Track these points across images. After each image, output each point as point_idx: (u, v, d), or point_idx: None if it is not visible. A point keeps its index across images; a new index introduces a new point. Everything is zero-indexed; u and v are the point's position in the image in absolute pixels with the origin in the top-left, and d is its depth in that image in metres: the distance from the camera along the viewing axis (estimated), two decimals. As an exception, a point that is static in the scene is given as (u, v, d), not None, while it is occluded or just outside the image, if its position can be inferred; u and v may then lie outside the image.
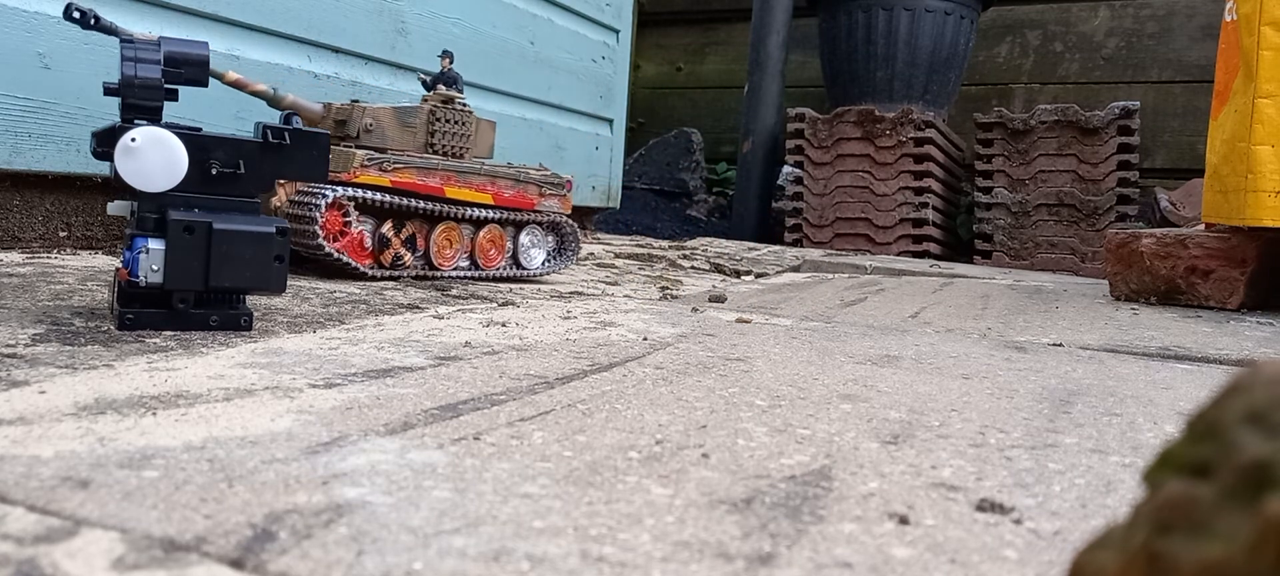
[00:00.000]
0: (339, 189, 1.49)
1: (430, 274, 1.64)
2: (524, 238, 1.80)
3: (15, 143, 1.53)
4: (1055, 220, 3.40)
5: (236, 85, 1.42)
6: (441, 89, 1.71)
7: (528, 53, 2.72)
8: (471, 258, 1.71)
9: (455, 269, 1.67)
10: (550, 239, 1.86)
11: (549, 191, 1.80)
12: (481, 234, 1.72)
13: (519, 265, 1.79)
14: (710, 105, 4.82)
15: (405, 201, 1.57)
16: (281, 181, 1.50)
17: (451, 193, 1.64)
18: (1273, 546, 0.23)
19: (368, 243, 1.57)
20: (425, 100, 1.69)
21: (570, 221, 1.87)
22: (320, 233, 1.47)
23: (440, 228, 1.65)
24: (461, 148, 1.70)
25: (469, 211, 1.66)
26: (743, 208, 3.89)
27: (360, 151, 1.53)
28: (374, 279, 1.56)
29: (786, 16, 3.85)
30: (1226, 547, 0.24)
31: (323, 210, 1.47)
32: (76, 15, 1.08)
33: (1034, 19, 4.19)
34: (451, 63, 1.73)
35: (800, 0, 3.89)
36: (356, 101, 1.64)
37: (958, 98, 3.98)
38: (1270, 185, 1.79)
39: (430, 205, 1.61)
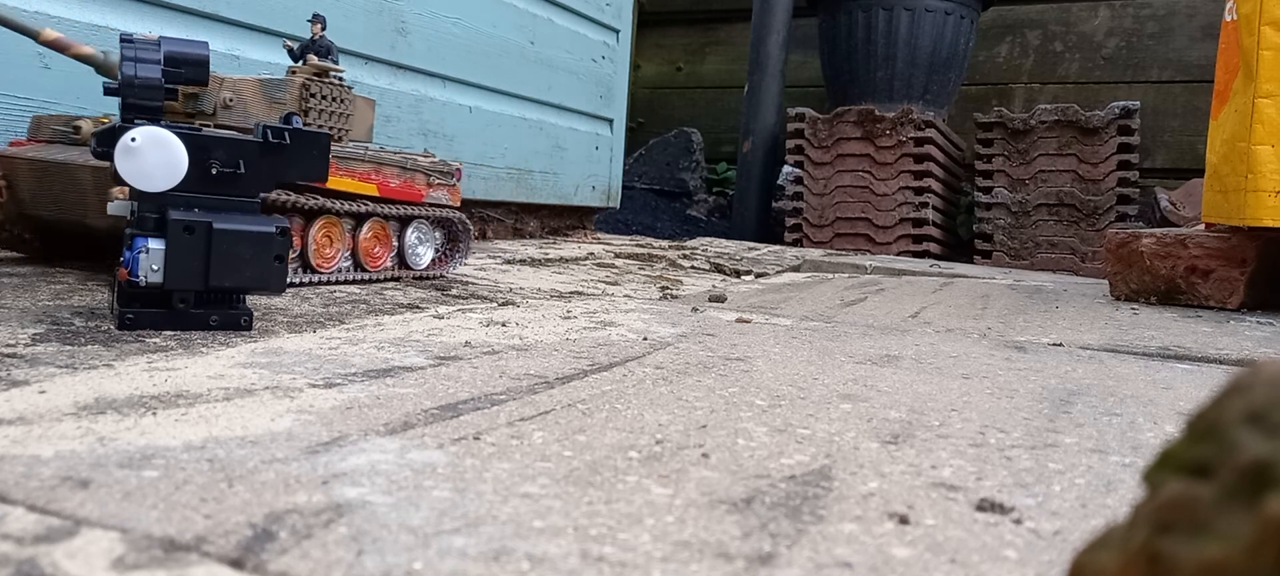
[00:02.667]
0: None
1: (305, 280, 1.41)
2: (411, 234, 1.60)
3: (15, 142, 1.53)
4: (1055, 220, 3.40)
5: (55, 45, 1.21)
6: (313, 60, 1.45)
7: (528, 52, 2.72)
8: (354, 257, 1.51)
9: (336, 270, 1.46)
10: (438, 234, 1.68)
11: (438, 181, 1.61)
12: (365, 230, 1.50)
13: (405, 265, 1.60)
14: (710, 105, 4.82)
15: (278, 195, 1.33)
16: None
17: (333, 183, 1.41)
18: (1273, 546, 0.23)
19: None
20: (294, 72, 1.44)
21: (461, 216, 1.68)
22: None
23: (319, 223, 1.42)
24: (340, 129, 1.47)
25: (352, 205, 1.45)
26: (743, 207, 3.89)
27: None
28: None
29: (786, 16, 3.85)
30: (1226, 547, 0.24)
31: None
32: None
33: (1034, 19, 4.19)
34: (324, 29, 1.49)
35: (800, 0, 3.89)
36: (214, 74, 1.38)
37: (958, 98, 3.98)
38: (1270, 185, 1.79)
39: (308, 199, 1.38)
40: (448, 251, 1.71)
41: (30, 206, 1.35)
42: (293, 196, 1.36)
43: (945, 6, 3.59)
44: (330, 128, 1.44)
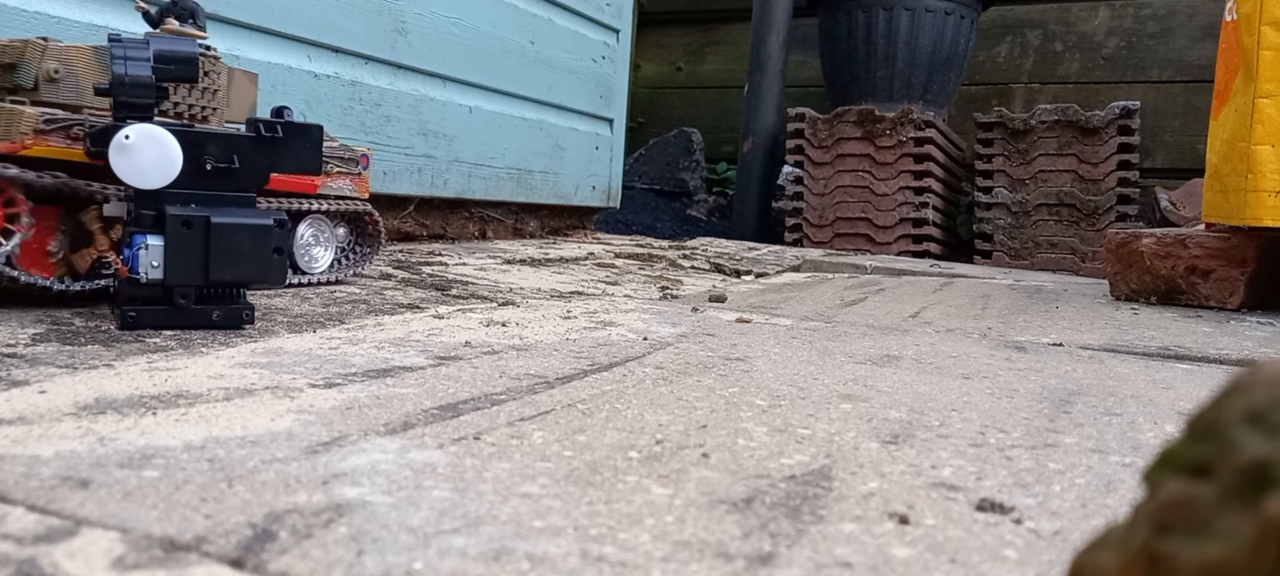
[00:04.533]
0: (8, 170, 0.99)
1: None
2: (304, 231, 1.38)
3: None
4: (1055, 220, 3.40)
5: None
6: (172, 24, 1.16)
7: (528, 52, 2.72)
8: None
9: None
10: (341, 232, 1.46)
11: (337, 169, 1.40)
12: None
13: (297, 268, 1.37)
14: (710, 105, 4.82)
15: (109, 187, 1.07)
16: None
17: None
18: (1273, 546, 0.23)
19: (53, 245, 1.07)
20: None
21: (369, 209, 1.46)
22: None
23: None
24: (208, 107, 1.22)
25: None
26: (743, 207, 3.89)
27: (32, 110, 1.03)
28: (64, 300, 1.08)
29: (786, 16, 3.85)
30: (1226, 547, 0.24)
31: None
32: None
33: (1034, 19, 4.19)
34: None
35: (800, 0, 3.89)
36: (36, 38, 1.12)
37: (958, 97, 3.98)
38: (1270, 185, 1.79)
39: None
40: (353, 253, 1.49)
41: None
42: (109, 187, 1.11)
43: (945, 6, 3.59)
44: (198, 106, 1.21)
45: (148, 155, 0.95)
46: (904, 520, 0.54)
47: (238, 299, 1.02)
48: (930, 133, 3.39)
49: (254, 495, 0.51)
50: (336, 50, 2.07)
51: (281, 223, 1.01)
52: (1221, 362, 1.26)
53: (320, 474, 0.55)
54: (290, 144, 1.04)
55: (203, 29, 1.20)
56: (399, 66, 2.26)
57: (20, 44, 1.09)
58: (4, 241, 1.00)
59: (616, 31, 3.19)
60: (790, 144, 3.65)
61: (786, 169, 3.69)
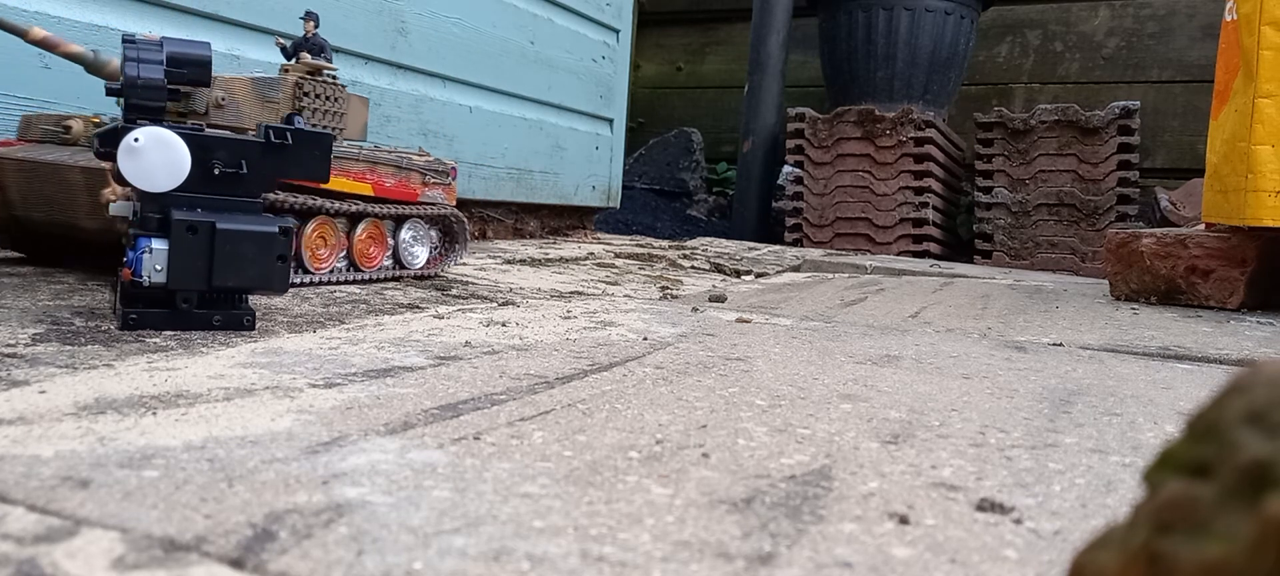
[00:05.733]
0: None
1: (299, 280, 1.39)
2: (406, 233, 1.59)
3: (15, 142, 1.53)
4: (1055, 220, 3.40)
5: (43, 44, 1.22)
6: (306, 57, 1.44)
7: (528, 52, 2.72)
8: (349, 257, 1.49)
9: (331, 271, 1.45)
10: (433, 233, 1.66)
11: (433, 180, 1.61)
12: (360, 230, 1.49)
13: (400, 264, 1.60)
14: (710, 105, 4.82)
15: (275, 195, 1.32)
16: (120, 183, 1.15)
17: (330, 182, 1.38)
18: (1273, 546, 0.23)
19: None
20: (287, 70, 1.43)
21: (457, 214, 1.67)
22: None
23: (314, 224, 1.41)
24: (334, 128, 1.46)
25: (347, 205, 1.44)
26: (743, 207, 3.89)
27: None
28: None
29: (786, 16, 3.85)
30: (1226, 547, 0.24)
31: None
32: None
33: (1034, 19, 4.19)
34: (317, 27, 1.49)
35: (800, 0, 3.89)
36: None
37: (958, 97, 3.98)
38: (1270, 185, 1.79)
39: (304, 199, 1.37)
40: (444, 250, 1.70)
41: (20, 209, 1.33)
42: (286, 196, 1.34)
43: (945, 6, 3.59)
44: (325, 127, 1.42)
45: (156, 158, 0.95)
46: (904, 520, 0.54)
47: (240, 304, 1.02)
48: (930, 133, 3.39)
49: (254, 495, 0.51)
50: (337, 50, 2.07)
51: (286, 230, 1.01)
52: (1221, 362, 1.26)
53: (320, 474, 0.55)
54: (299, 151, 1.04)
55: (331, 61, 1.46)
56: (399, 66, 2.26)
57: None
58: None
59: (616, 31, 3.19)
60: (790, 144, 3.65)
61: (786, 169, 3.69)
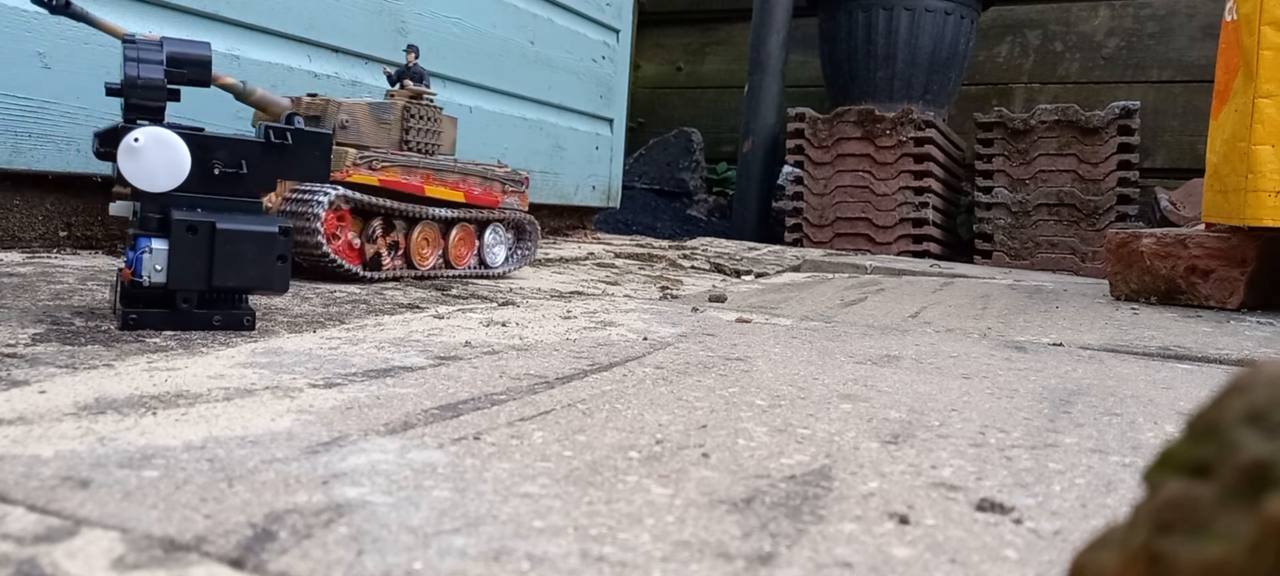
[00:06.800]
0: (337, 189, 1.46)
1: (407, 272, 1.62)
2: (488, 235, 1.80)
3: (15, 142, 1.53)
4: (1055, 220, 3.40)
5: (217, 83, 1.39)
6: (409, 84, 1.67)
7: (528, 52, 2.72)
8: (444, 256, 1.71)
9: (432, 268, 1.67)
10: (509, 236, 1.87)
11: (510, 188, 1.82)
12: (454, 233, 1.71)
13: (483, 263, 1.80)
14: (710, 105, 4.82)
15: (392, 203, 1.56)
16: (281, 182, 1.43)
17: (431, 191, 1.63)
18: (1273, 546, 0.23)
19: (356, 243, 1.55)
20: (391, 95, 1.66)
21: (530, 218, 1.88)
22: (321, 235, 1.43)
23: (420, 227, 1.64)
24: (433, 145, 1.68)
25: (446, 211, 1.66)
26: (743, 208, 3.89)
27: (350, 150, 1.51)
28: (366, 281, 1.53)
29: (786, 16, 3.85)
30: (1226, 547, 0.24)
31: (323, 212, 1.43)
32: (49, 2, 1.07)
33: (1034, 19, 4.19)
34: (418, 57, 1.70)
35: (800, 0, 3.89)
36: (316, 95, 1.59)
37: (958, 97, 3.98)
38: (1270, 185, 1.79)
39: (415, 207, 1.60)
40: (517, 250, 1.90)
41: None
42: (400, 204, 1.56)
43: (945, 6, 3.59)
44: (426, 144, 1.67)
45: (156, 158, 0.95)
46: (904, 520, 0.54)
47: (240, 304, 1.02)
48: (930, 133, 3.39)
49: (254, 495, 0.51)
50: (336, 50, 2.07)
51: (285, 230, 1.00)
52: (1221, 362, 1.26)
53: (320, 474, 0.55)
54: (299, 151, 1.04)
55: (429, 87, 1.69)
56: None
57: (324, 101, 1.56)
58: (335, 238, 1.49)
59: (616, 31, 3.19)
60: (790, 144, 3.65)
61: (786, 169, 3.69)
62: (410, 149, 1.64)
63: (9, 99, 1.52)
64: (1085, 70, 4.10)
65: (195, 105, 1.53)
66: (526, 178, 1.88)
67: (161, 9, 1.71)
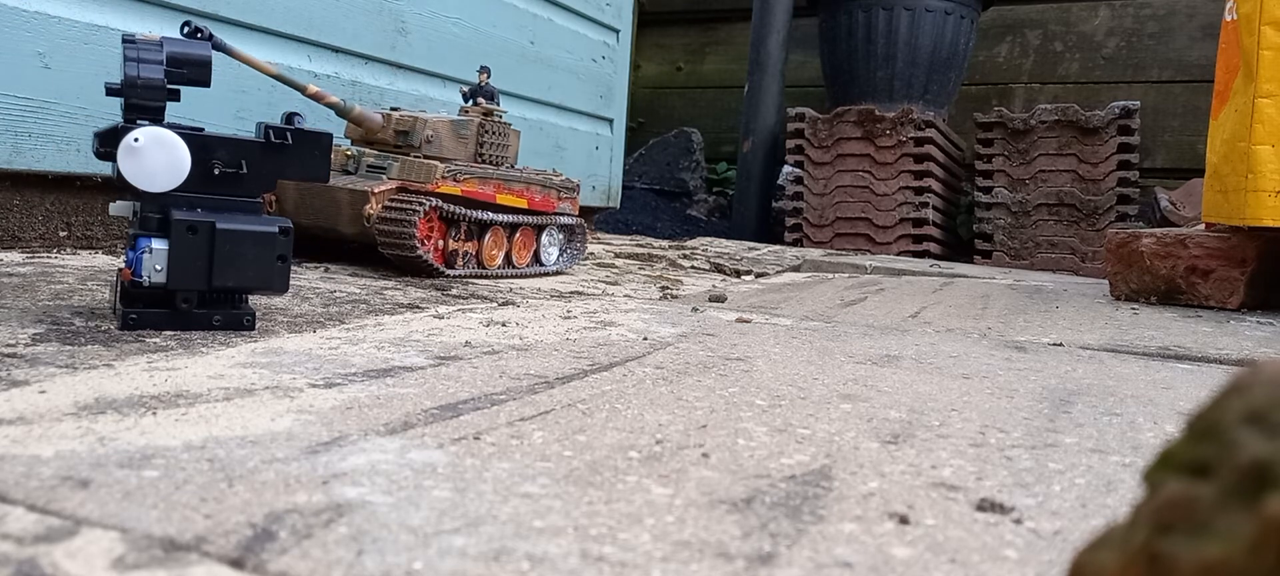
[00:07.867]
0: (432, 200, 1.65)
1: (480, 272, 1.78)
2: (544, 237, 1.96)
3: (15, 142, 1.53)
4: (1055, 220, 3.40)
5: (315, 98, 1.52)
6: (482, 102, 1.85)
7: (528, 52, 2.72)
8: (507, 257, 1.86)
9: (497, 268, 1.83)
10: (562, 237, 2.03)
11: (564, 195, 1.99)
12: (516, 235, 1.88)
13: (539, 262, 1.97)
14: (710, 105, 4.82)
15: (474, 213, 1.73)
16: (374, 193, 1.62)
17: (501, 199, 1.80)
18: (1273, 546, 0.23)
19: (440, 245, 1.72)
20: (465, 111, 1.83)
21: (579, 221, 2.04)
22: (416, 238, 1.60)
23: (491, 230, 1.81)
24: (502, 157, 1.85)
25: (514, 216, 1.83)
26: (743, 207, 3.89)
27: (439, 164, 1.67)
28: (443, 275, 1.70)
29: (786, 16, 3.85)
30: (1226, 547, 0.24)
31: (418, 220, 1.61)
32: (191, 31, 1.07)
33: (1034, 19, 4.19)
34: (489, 77, 1.87)
35: (800, 0, 3.89)
36: (396, 109, 1.77)
37: (958, 98, 3.98)
38: (1270, 185, 1.79)
39: (490, 214, 1.77)
40: (568, 249, 2.06)
41: (293, 215, 1.68)
42: (475, 212, 1.72)
43: (945, 6, 3.59)
44: (497, 156, 1.84)
45: (156, 158, 0.95)
46: (904, 520, 0.54)
47: (240, 304, 1.02)
48: (930, 133, 3.39)
49: (254, 495, 0.51)
50: (336, 50, 2.07)
51: (285, 230, 1.00)
52: (1221, 362, 1.26)
53: (320, 474, 0.55)
54: (299, 150, 1.04)
55: (499, 105, 1.87)
56: (399, 66, 2.26)
57: (411, 117, 1.73)
58: (426, 242, 1.66)
59: (616, 31, 3.18)
60: (790, 144, 3.65)
61: (786, 169, 3.69)
62: (484, 161, 1.81)
63: (9, 99, 1.52)
64: (1085, 70, 4.10)
65: (195, 105, 1.53)
66: (578, 184, 2.03)
67: (161, 9, 1.71)
